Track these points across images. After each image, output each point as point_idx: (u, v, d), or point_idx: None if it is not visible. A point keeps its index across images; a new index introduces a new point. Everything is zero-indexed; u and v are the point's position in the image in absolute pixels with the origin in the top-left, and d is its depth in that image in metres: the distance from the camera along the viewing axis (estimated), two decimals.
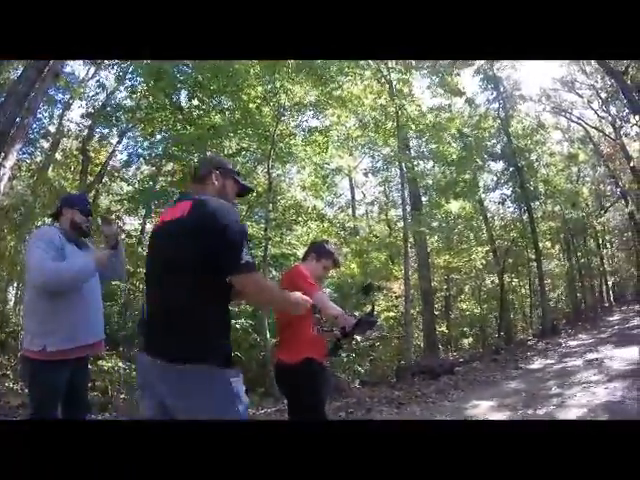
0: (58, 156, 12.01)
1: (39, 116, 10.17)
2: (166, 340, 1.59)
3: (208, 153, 7.81)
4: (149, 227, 11.65)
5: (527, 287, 16.35)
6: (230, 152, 9.00)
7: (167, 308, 1.62)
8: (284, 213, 9.83)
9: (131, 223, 12.06)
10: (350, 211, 16.12)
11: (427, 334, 12.80)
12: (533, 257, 14.18)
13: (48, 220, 3.06)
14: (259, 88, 8.53)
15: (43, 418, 2.53)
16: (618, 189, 18.02)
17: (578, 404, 4.36)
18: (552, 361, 7.75)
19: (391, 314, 13.82)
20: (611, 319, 12.63)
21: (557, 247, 16.81)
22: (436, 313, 15.84)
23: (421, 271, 12.77)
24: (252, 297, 1.79)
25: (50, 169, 11.45)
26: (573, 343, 9.64)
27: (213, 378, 1.56)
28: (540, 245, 14.62)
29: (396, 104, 9.31)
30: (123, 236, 9.65)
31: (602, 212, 19.26)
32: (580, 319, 14.16)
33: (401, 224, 12.52)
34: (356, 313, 2.67)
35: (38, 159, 11.53)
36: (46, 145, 11.42)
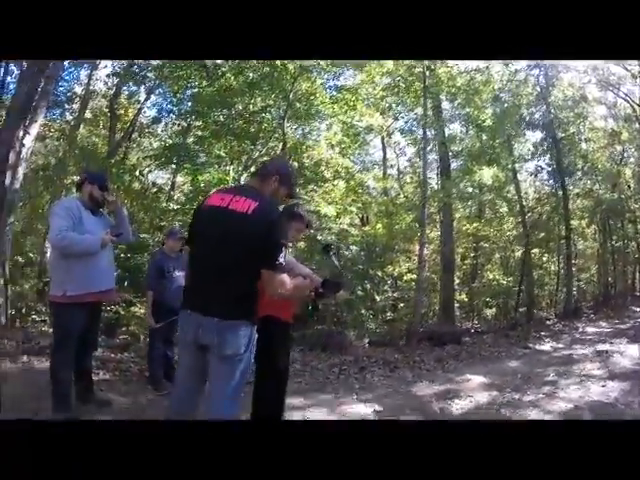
0: (88, 115, 12.39)
1: (67, 77, 10.44)
2: (218, 303, 2.08)
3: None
4: (179, 180, 11.94)
5: (556, 264, 15.81)
6: (255, 109, 8.96)
7: (221, 280, 2.07)
8: (309, 170, 9.76)
9: (162, 177, 12.42)
10: (381, 171, 15.79)
11: (444, 301, 12.77)
12: (564, 234, 13.62)
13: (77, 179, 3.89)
14: None
15: (62, 351, 3.20)
16: None
17: (567, 398, 4.27)
18: (562, 345, 7.60)
19: (413, 276, 13.75)
20: (638, 310, 12.13)
21: (592, 227, 15.97)
22: (460, 281, 15.73)
23: (445, 238, 12.56)
24: (274, 290, 2.12)
25: (81, 127, 11.90)
26: (590, 329, 9.37)
27: (244, 328, 2.10)
28: (574, 223, 13.95)
29: (424, 64, 8.79)
30: (154, 190, 10.44)
31: None
32: (606, 305, 13.68)
33: (432, 188, 12.23)
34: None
35: (69, 118, 11.93)
36: (76, 106, 11.72)
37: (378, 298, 12.13)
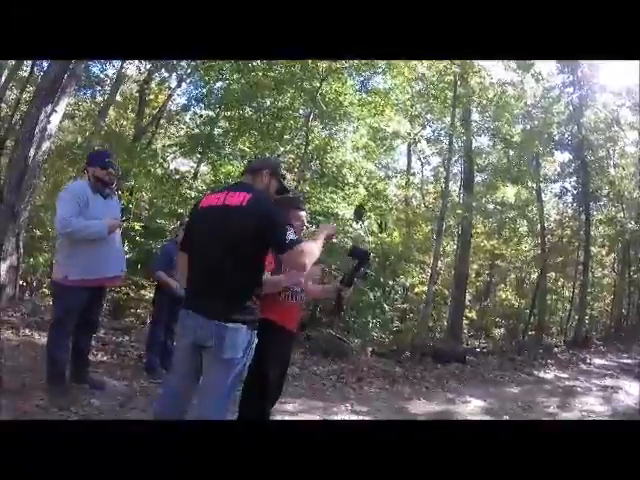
0: (118, 98, 12.48)
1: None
2: (219, 305, 2.06)
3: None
4: (203, 170, 12.05)
5: (571, 290, 15.50)
6: (282, 105, 8.96)
7: (222, 279, 2.07)
8: (331, 171, 9.74)
9: (185, 165, 12.51)
10: (403, 178, 15.64)
11: (452, 318, 12.63)
12: (582, 260, 13.31)
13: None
14: None
15: (60, 329, 3.27)
16: None
17: None
18: (567, 376, 7.45)
19: (425, 289, 13.62)
20: None
21: (612, 256, 15.57)
22: (472, 297, 15.52)
23: (461, 252, 12.40)
24: (302, 264, 2.09)
25: (110, 110, 12.04)
26: (598, 361, 9.16)
27: (244, 333, 2.08)
28: (593, 250, 13.66)
29: (455, 72, 8.66)
30: (176, 176, 10.50)
31: None
32: (617, 338, 13.37)
33: (453, 200, 12.08)
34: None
35: (99, 99, 12.14)
36: (107, 88, 11.88)
37: (387, 308, 12.04)
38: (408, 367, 6.89)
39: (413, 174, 17.23)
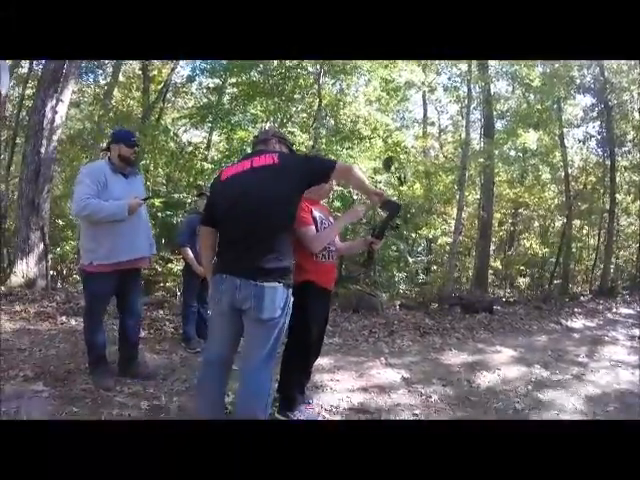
0: (121, 78, 12.37)
1: None
2: (255, 265, 2.08)
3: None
4: (215, 139, 11.91)
5: (596, 238, 15.19)
6: (290, 64, 8.72)
7: (258, 239, 2.10)
8: (346, 127, 9.55)
9: (198, 135, 12.32)
10: (421, 129, 15.27)
11: (478, 268, 12.58)
12: (608, 208, 12.96)
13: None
14: None
15: (92, 317, 3.22)
16: None
17: (595, 382, 4.18)
18: (594, 325, 7.42)
19: (448, 240, 13.55)
20: None
21: (637, 203, 15.13)
22: (495, 247, 15.37)
23: (484, 202, 12.20)
24: (347, 175, 2.35)
25: (115, 91, 12.01)
26: (624, 311, 9.06)
27: (280, 292, 2.13)
28: (619, 197, 13.23)
29: None
30: (190, 149, 10.56)
31: None
32: None
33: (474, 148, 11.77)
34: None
35: (102, 82, 12.07)
36: (109, 70, 11.77)
37: (411, 260, 12.05)
38: (437, 319, 6.94)
39: (431, 124, 16.83)
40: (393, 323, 6.26)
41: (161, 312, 5.87)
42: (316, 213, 2.69)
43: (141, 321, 3.80)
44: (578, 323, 7.48)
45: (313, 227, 2.62)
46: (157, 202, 8.30)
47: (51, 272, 7.16)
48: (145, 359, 3.83)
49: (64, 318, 5.16)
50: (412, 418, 3.10)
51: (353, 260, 9.14)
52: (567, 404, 3.56)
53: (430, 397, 3.51)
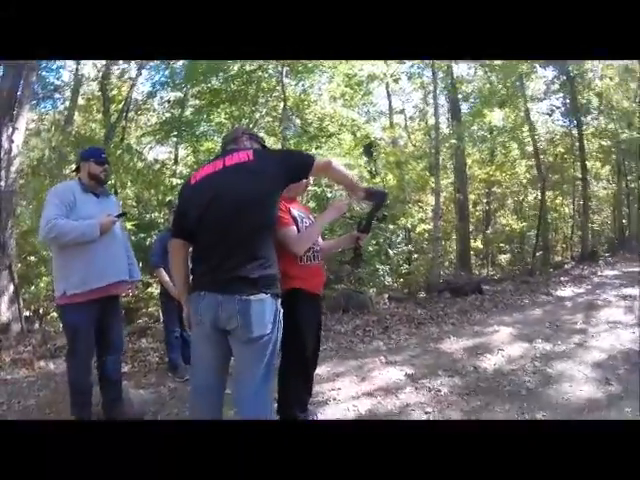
0: (81, 101, 12.01)
1: (52, 66, 10.15)
2: (237, 278, 1.85)
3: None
4: (182, 153, 11.65)
5: (571, 207, 15.49)
6: (251, 68, 8.56)
7: (238, 246, 1.87)
8: (313, 126, 9.44)
9: (164, 152, 12.08)
10: (387, 120, 15.25)
11: (460, 250, 12.63)
12: (579, 176, 13.20)
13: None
14: None
15: (75, 356, 2.86)
16: None
17: (599, 347, 4.17)
18: (584, 290, 7.49)
19: (427, 227, 13.56)
20: None
21: (607, 168, 15.46)
22: (473, 228, 15.50)
23: (458, 184, 12.26)
24: (329, 166, 2.18)
25: (75, 115, 11.61)
26: (610, 273, 9.23)
27: (268, 304, 1.90)
28: (588, 164, 13.49)
29: None
30: (157, 166, 10.18)
31: None
32: (622, 247, 13.49)
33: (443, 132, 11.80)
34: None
35: (61, 107, 11.67)
36: (67, 94, 11.44)
37: (392, 252, 11.99)
38: (428, 307, 6.86)
39: (400, 111, 16.84)
40: (386, 318, 6.12)
41: (144, 341, 5.54)
42: (295, 212, 2.47)
43: (122, 355, 3.45)
44: (567, 291, 7.53)
45: (294, 227, 2.39)
46: (129, 225, 7.98)
47: (26, 313, 6.75)
48: (129, 396, 3.39)
49: (42, 362, 4.79)
50: (424, 418, 2.97)
51: (335, 259, 9.00)
52: (577, 374, 3.52)
53: (439, 391, 3.39)
